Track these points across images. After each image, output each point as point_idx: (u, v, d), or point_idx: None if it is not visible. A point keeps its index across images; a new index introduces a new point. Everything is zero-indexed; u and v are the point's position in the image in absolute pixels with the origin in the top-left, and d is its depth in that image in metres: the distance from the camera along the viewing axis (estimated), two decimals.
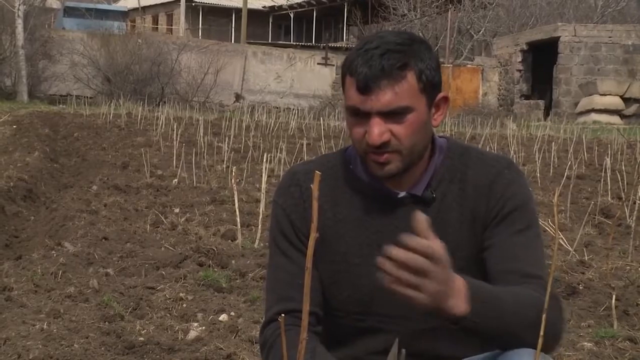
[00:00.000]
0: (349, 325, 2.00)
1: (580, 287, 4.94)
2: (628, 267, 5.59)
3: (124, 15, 45.37)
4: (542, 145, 13.50)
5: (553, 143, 13.92)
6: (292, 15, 45.16)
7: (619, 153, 13.58)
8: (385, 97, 1.83)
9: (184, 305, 4.35)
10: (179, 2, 44.23)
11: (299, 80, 31.63)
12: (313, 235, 1.44)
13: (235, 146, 13.06)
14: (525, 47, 29.73)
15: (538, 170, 10.95)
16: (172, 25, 46.58)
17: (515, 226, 1.92)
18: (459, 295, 1.66)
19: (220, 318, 4.15)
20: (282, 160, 10.49)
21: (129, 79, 27.55)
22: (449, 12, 33.16)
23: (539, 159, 11.68)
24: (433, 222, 1.93)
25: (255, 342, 3.66)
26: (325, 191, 1.97)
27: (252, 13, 41.94)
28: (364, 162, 1.94)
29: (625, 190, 8.71)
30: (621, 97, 27.04)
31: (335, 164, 2.03)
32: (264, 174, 6.90)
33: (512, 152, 13.18)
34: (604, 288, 4.92)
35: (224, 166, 10.71)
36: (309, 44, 41.27)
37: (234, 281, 4.93)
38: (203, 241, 6.03)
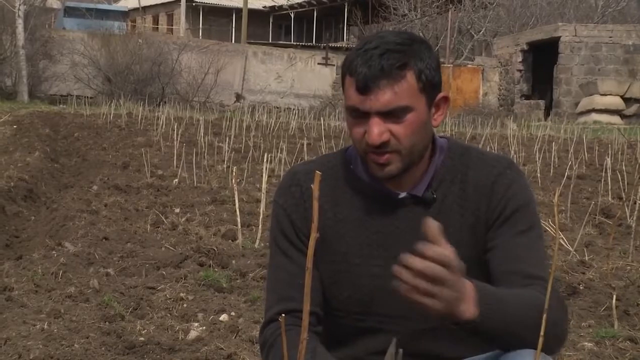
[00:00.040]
0: (349, 325, 2.00)
1: (581, 287, 4.94)
2: (628, 267, 5.59)
3: (124, 15, 45.40)
4: (542, 145, 13.50)
5: (553, 143, 13.92)
6: (292, 15, 45.16)
7: (620, 153, 13.58)
8: (385, 97, 1.83)
9: (185, 305, 4.36)
10: (180, 2, 44.24)
11: (299, 80, 31.63)
12: (313, 235, 1.44)
13: (236, 146, 13.06)
14: (525, 47, 29.74)
15: (538, 170, 10.95)
16: (172, 25, 46.59)
17: (518, 227, 1.92)
18: (469, 300, 1.67)
19: (221, 318, 4.15)
20: (283, 160, 10.49)
21: (130, 79, 27.56)
22: (450, 12, 33.16)
23: (539, 159, 11.68)
24: None
25: (256, 342, 3.66)
26: (326, 191, 1.97)
27: (253, 13, 41.94)
28: (365, 163, 1.94)
29: (626, 190, 8.71)
30: (622, 97, 27.04)
31: (336, 164, 2.03)
32: (264, 174, 6.90)
33: (512, 152, 13.18)
34: (605, 288, 4.92)
35: (225, 166, 10.71)
36: (309, 44, 41.27)
37: (235, 281, 4.93)
38: (203, 241, 6.04)
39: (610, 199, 8.81)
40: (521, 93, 29.93)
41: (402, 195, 1.96)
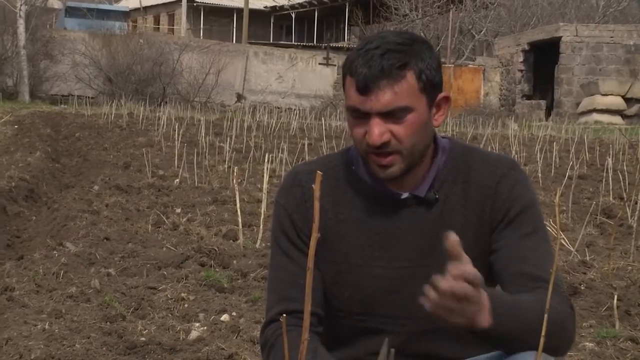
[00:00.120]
0: (351, 326, 2.00)
1: (582, 287, 4.94)
2: (630, 267, 5.58)
3: (125, 15, 45.41)
4: (543, 146, 13.50)
5: (554, 143, 13.91)
6: (293, 16, 45.15)
7: (621, 153, 13.58)
8: (385, 98, 1.83)
9: (186, 305, 4.36)
10: (181, 2, 44.25)
11: (300, 80, 31.62)
12: (314, 235, 1.44)
13: (237, 146, 13.06)
14: (526, 47, 29.72)
15: (539, 170, 10.95)
16: (173, 26, 46.59)
17: (523, 229, 1.92)
18: (485, 310, 1.69)
19: (222, 318, 4.15)
20: (284, 161, 10.48)
21: (131, 79, 27.56)
22: (451, 12, 33.14)
23: (540, 159, 11.67)
24: (436, 223, 1.93)
25: (257, 342, 3.66)
26: (327, 191, 1.96)
27: (254, 13, 41.94)
28: (366, 163, 1.94)
29: (627, 190, 8.71)
30: (623, 97, 27.03)
31: (337, 164, 2.03)
32: (265, 174, 6.90)
33: (513, 152, 13.18)
34: (606, 288, 4.92)
35: (226, 166, 10.71)
36: (310, 44, 41.27)
37: (236, 281, 4.93)
38: (205, 241, 6.03)
39: (611, 199, 8.81)
40: (522, 93, 29.92)
41: (404, 195, 1.96)
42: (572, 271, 5.37)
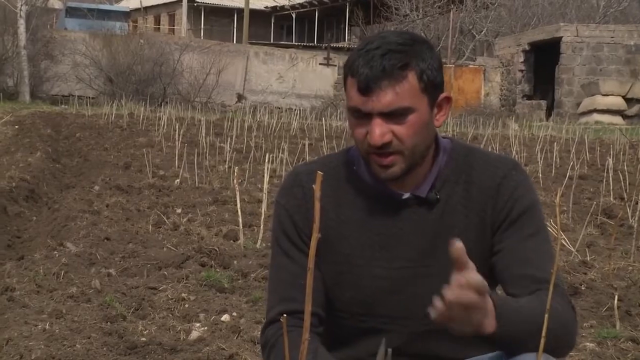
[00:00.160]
0: (352, 326, 2.00)
1: (583, 288, 4.94)
2: (630, 268, 5.58)
3: (125, 15, 45.41)
4: (544, 146, 13.50)
5: (555, 143, 13.91)
6: (294, 16, 45.17)
7: (621, 153, 13.57)
8: (386, 98, 1.83)
9: (186, 305, 4.35)
10: (181, 2, 44.25)
11: (301, 80, 31.62)
12: (315, 235, 1.44)
13: (237, 146, 13.06)
14: (527, 47, 29.72)
15: (540, 170, 10.95)
16: (174, 26, 46.60)
17: (525, 230, 1.92)
18: (491, 315, 1.69)
19: (223, 318, 4.15)
20: (284, 161, 10.48)
21: (131, 80, 27.56)
22: (451, 13, 33.14)
23: (541, 159, 11.67)
24: (437, 223, 1.93)
25: (257, 343, 3.66)
26: (328, 192, 1.96)
27: (254, 13, 41.95)
28: (367, 163, 1.93)
29: (628, 190, 8.71)
30: (623, 97, 27.02)
31: (338, 164, 2.02)
32: (265, 175, 6.90)
33: (514, 152, 13.18)
34: (607, 288, 4.92)
35: (226, 166, 10.71)
36: (311, 44, 41.28)
37: (236, 281, 4.93)
38: (205, 241, 6.03)
39: (612, 199, 8.80)
40: (523, 93, 29.92)
41: (406, 196, 1.95)
42: (572, 271, 5.36)
